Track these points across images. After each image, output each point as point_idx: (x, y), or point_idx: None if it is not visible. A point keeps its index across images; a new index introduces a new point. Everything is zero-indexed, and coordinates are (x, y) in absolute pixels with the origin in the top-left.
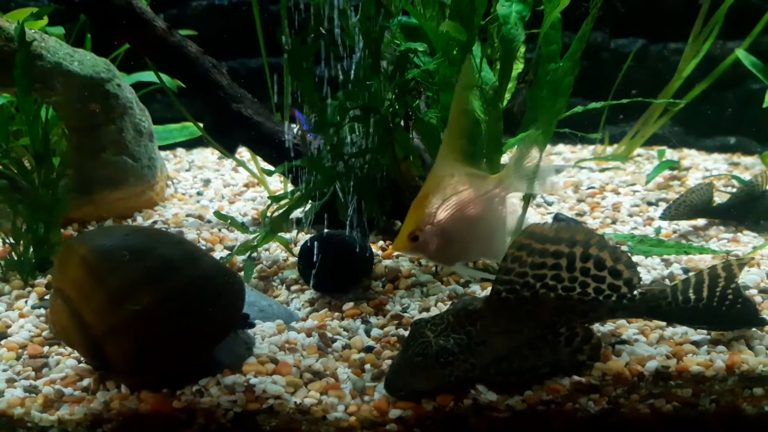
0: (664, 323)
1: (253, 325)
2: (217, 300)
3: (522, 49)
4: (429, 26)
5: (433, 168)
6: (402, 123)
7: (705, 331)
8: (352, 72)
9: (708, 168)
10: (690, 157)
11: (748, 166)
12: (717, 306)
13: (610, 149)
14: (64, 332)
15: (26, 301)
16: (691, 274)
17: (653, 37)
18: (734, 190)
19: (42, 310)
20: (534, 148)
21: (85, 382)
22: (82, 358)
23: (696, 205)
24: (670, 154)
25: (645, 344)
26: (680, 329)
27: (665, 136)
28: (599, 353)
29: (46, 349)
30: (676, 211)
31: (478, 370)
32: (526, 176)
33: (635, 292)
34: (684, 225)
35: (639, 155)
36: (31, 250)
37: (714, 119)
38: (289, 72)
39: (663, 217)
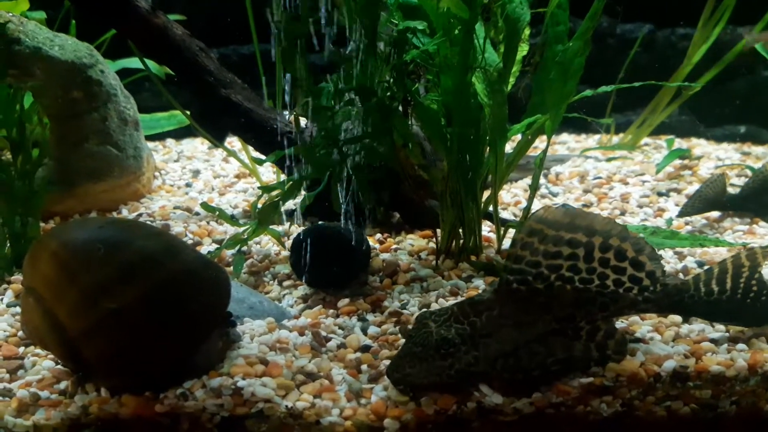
0: (679, 319)
1: (235, 324)
2: (200, 296)
3: (527, 31)
4: (429, 4)
5: None
6: (400, 108)
7: (723, 328)
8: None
9: (720, 157)
10: (699, 146)
11: (759, 156)
12: (741, 299)
13: (616, 138)
14: (37, 333)
15: (2, 299)
16: (713, 265)
17: (661, 21)
18: (746, 179)
19: (18, 309)
20: None
21: (63, 384)
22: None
23: (709, 198)
24: (679, 143)
25: (661, 342)
26: (697, 326)
27: (672, 125)
28: (626, 348)
29: (21, 350)
30: (692, 207)
31: (483, 364)
32: None
33: (657, 285)
34: (696, 217)
35: (646, 144)
36: (8, 244)
37: (723, 107)
38: (281, 53)
39: (681, 215)
